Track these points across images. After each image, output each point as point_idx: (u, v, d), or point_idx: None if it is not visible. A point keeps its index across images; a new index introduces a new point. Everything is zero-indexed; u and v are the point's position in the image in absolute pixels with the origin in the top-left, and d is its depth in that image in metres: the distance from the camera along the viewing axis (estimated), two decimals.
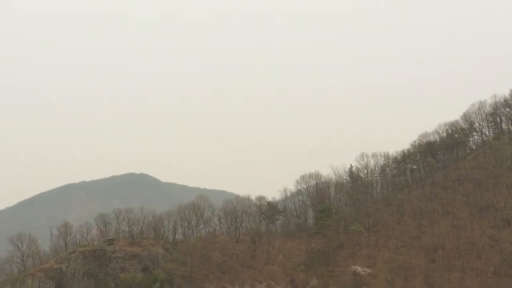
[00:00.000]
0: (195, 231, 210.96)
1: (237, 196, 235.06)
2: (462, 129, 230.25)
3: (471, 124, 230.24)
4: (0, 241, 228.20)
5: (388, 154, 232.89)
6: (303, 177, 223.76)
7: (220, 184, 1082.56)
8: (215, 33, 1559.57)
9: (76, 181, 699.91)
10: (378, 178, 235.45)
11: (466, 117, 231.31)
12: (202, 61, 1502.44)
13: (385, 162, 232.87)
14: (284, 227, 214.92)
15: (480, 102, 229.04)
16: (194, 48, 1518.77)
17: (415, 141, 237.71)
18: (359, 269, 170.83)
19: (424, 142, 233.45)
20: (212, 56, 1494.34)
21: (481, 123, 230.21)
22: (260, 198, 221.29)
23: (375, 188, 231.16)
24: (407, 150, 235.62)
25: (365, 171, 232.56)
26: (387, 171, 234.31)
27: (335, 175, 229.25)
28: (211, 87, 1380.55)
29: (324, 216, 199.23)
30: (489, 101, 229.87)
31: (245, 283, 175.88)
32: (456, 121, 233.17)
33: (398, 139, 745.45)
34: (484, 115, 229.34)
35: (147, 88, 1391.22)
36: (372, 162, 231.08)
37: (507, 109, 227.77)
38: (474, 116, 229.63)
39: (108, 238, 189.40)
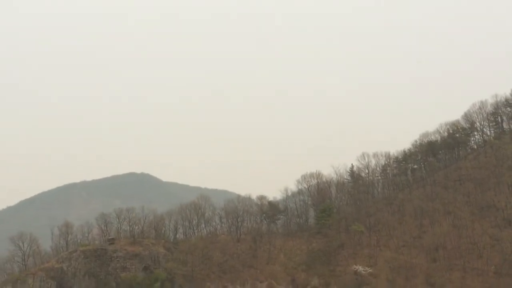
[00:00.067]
0: (196, 231, 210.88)
1: (238, 196, 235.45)
2: (463, 129, 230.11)
3: (472, 123, 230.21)
4: (1, 241, 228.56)
5: (389, 154, 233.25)
6: (304, 177, 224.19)
7: (221, 183, 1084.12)
8: (215, 33, 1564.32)
9: (77, 180, 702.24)
10: (379, 177, 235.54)
11: (467, 116, 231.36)
12: (202, 61, 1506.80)
13: (386, 162, 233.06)
14: (285, 227, 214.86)
15: (481, 102, 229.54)
16: (194, 48, 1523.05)
17: (416, 141, 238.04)
18: (360, 268, 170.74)
19: (425, 141, 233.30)
20: (212, 56, 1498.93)
21: (482, 122, 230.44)
22: (261, 198, 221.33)
23: (376, 188, 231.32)
24: (408, 149, 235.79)
25: (366, 171, 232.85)
26: (388, 171, 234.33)
27: (336, 174, 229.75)
28: (211, 87, 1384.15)
29: (325, 216, 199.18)
30: (490, 100, 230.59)
31: (246, 282, 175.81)
32: (457, 121, 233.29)
33: (398, 139, 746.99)
34: (485, 115, 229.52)
35: (147, 88, 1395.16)
36: (373, 162, 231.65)
37: (508, 108, 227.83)
38: (475, 115, 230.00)
39: (109, 238, 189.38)
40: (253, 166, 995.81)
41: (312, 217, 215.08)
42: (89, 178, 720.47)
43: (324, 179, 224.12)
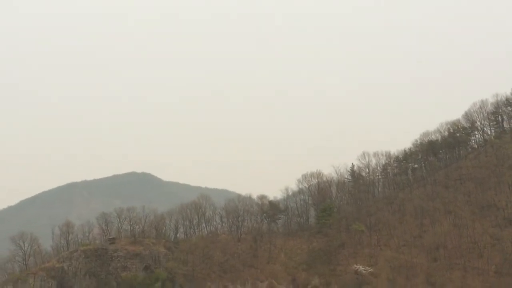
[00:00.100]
0: (196, 230, 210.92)
1: (239, 195, 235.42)
2: (464, 128, 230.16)
3: (473, 123, 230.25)
4: (2, 240, 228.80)
5: (389, 153, 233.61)
6: (304, 176, 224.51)
7: (221, 183, 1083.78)
8: (215, 33, 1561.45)
9: (78, 180, 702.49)
10: (380, 177, 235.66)
11: (467, 116, 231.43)
12: (202, 61, 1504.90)
13: (387, 161, 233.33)
14: (286, 226, 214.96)
15: (482, 101, 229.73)
16: (194, 48, 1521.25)
17: (416, 140, 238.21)
18: (360, 268, 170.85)
19: (426, 141, 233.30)
20: (212, 56, 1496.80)
21: (482, 122, 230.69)
22: (262, 197, 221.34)
23: (377, 187, 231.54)
24: (408, 149, 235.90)
25: (367, 170, 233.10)
26: (388, 170, 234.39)
27: (337, 174, 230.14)
28: (211, 87, 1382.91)
29: (325, 215, 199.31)
30: (491, 100, 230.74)
31: (247, 282, 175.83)
32: (458, 120, 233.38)
33: (398, 139, 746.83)
34: (486, 114, 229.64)
35: (147, 88, 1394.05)
36: (373, 161, 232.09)
37: (509, 108, 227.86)
38: (476, 115, 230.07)
39: (110, 237, 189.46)
40: (253, 166, 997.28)
41: (313, 216, 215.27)
42: (89, 177, 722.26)
43: (324, 179, 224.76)
